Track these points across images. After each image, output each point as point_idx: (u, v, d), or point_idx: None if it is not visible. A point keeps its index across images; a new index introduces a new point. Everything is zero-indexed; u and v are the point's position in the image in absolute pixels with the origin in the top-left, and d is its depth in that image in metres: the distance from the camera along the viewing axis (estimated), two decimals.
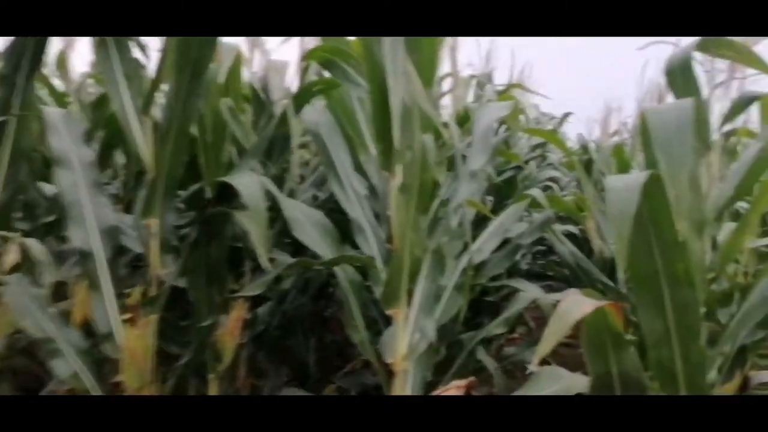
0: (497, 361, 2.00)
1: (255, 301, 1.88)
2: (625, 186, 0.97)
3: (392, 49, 0.95)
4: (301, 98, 1.50)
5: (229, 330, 1.69)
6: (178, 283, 1.55)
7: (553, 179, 2.69)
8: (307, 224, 1.49)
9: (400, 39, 0.92)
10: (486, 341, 2.11)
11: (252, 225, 1.29)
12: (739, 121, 1.83)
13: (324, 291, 2.17)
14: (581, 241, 2.54)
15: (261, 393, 1.91)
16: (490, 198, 2.45)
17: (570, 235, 2.60)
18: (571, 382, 1.15)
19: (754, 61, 1.11)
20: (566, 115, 3.37)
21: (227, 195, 1.44)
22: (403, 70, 0.94)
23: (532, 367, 0.91)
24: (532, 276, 2.65)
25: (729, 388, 1.36)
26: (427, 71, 1.04)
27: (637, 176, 0.99)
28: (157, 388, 1.46)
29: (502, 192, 2.33)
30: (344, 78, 1.40)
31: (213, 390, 1.63)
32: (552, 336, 0.92)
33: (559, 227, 2.57)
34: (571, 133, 3.77)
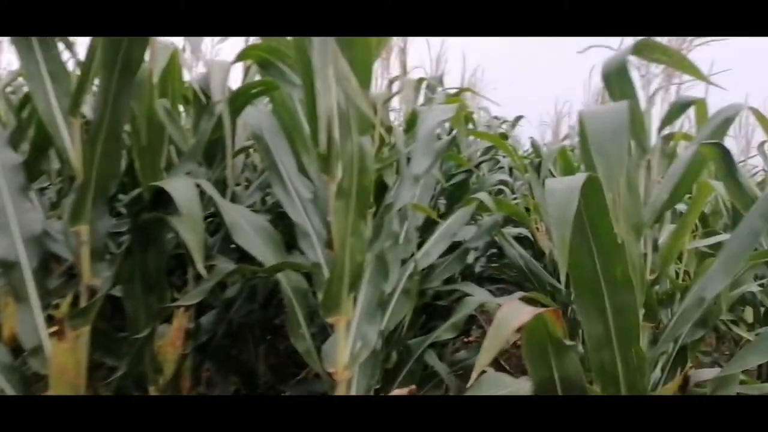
0: (451, 365, 1.98)
1: (202, 310, 1.81)
2: (564, 188, 0.97)
3: (321, 48, 0.91)
4: (238, 100, 1.45)
5: (171, 340, 1.62)
6: (113, 292, 1.48)
7: (504, 183, 2.71)
8: (249, 229, 1.44)
9: (330, 38, 0.89)
10: (440, 346, 2.09)
11: (187, 231, 1.23)
12: (678, 126, 1.87)
13: (273, 298, 2.12)
14: (534, 244, 2.56)
15: None
16: (443, 202, 2.45)
17: (523, 238, 2.62)
18: (515, 388, 1.14)
19: (686, 66, 1.13)
20: (518, 118, 3.40)
21: (164, 200, 1.37)
22: (334, 70, 0.91)
23: (472, 380, 0.90)
24: (486, 279, 2.66)
25: (670, 387, 1.38)
26: (363, 72, 1.00)
27: (576, 178, 0.98)
28: None
29: (454, 196, 2.33)
30: (282, 78, 1.35)
31: None
32: (492, 346, 0.91)
33: (512, 230, 2.59)
34: (526, 136, 3.82)
